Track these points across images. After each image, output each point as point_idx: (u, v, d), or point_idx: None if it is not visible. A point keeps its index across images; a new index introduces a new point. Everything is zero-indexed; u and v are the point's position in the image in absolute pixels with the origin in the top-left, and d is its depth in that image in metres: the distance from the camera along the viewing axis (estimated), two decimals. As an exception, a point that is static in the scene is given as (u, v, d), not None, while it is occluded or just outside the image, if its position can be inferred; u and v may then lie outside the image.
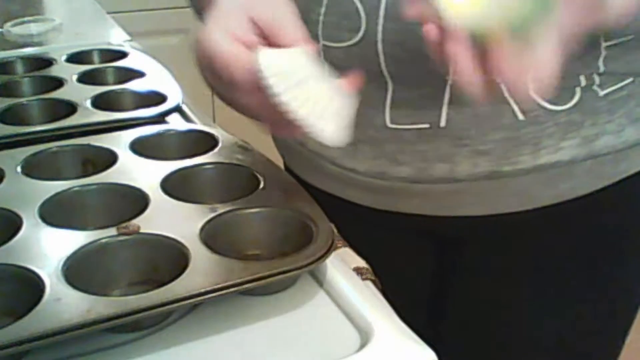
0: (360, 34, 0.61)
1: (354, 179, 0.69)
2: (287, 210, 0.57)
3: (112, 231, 0.53)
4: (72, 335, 0.43)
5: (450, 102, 0.62)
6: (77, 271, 0.49)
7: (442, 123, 0.63)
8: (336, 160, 0.70)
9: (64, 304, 0.45)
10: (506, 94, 0.59)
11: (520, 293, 0.74)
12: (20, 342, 0.42)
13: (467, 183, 0.65)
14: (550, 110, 0.63)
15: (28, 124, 0.76)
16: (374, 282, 0.57)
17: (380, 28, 0.60)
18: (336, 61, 0.61)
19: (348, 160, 0.69)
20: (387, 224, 0.73)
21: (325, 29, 0.63)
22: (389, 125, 0.65)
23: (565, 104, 0.63)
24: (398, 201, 0.70)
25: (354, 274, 0.56)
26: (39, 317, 0.44)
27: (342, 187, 0.72)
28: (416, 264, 0.81)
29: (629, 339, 0.77)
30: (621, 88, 0.65)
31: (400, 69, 0.61)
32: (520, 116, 0.63)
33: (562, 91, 0.63)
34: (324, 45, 0.64)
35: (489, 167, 0.64)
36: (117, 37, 1.12)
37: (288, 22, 0.54)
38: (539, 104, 0.63)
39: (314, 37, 0.64)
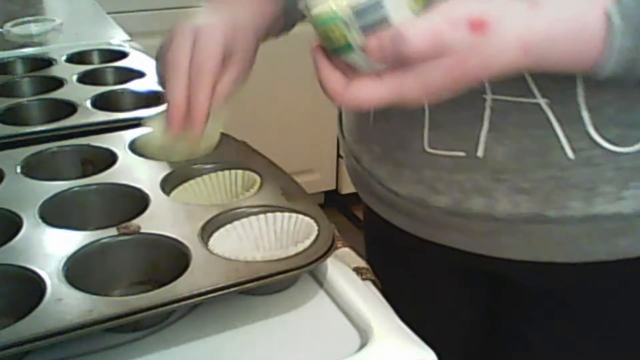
0: None
1: (396, 202, 0.66)
2: (287, 211, 0.57)
3: (113, 231, 0.53)
4: (73, 336, 0.43)
5: (490, 131, 0.57)
6: (77, 271, 0.49)
7: (480, 153, 0.58)
8: (382, 181, 0.66)
9: (65, 304, 0.45)
10: (556, 128, 0.54)
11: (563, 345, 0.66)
12: (23, 342, 0.42)
13: (507, 223, 0.59)
14: (611, 152, 0.54)
15: (28, 124, 0.76)
16: (374, 282, 0.57)
17: None
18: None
19: (392, 182, 0.65)
20: (429, 254, 0.69)
21: None
22: (427, 149, 0.60)
23: (630, 145, 0.54)
24: (437, 232, 0.65)
25: (354, 274, 0.56)
26: (40, 317, 0.44)
27: (387, 209, 0.69)
28: (459, 298, 0.76)
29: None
30: None
31: None
32: (571, 154, 0.55)
33: (628, 130, 0.54)
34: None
35: (531, 209, 0.58)
36: (117, 37, 1.12)
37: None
38: (596, 143, 0.54)
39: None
